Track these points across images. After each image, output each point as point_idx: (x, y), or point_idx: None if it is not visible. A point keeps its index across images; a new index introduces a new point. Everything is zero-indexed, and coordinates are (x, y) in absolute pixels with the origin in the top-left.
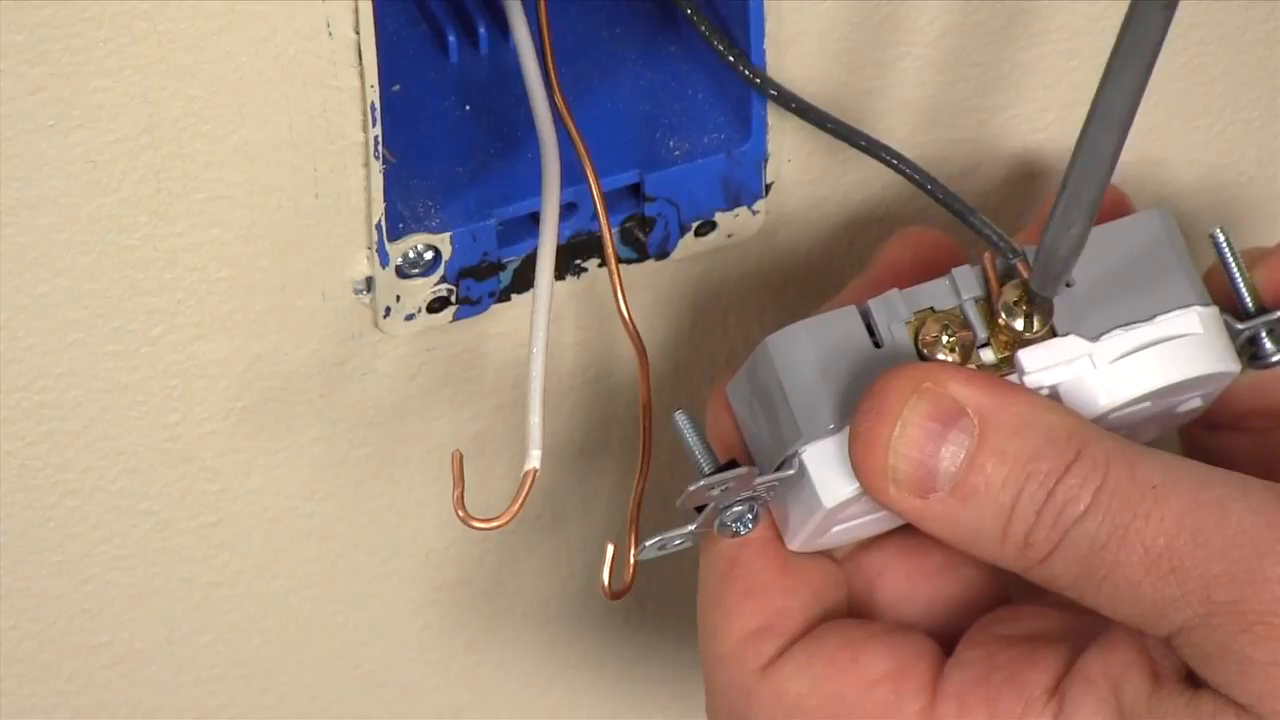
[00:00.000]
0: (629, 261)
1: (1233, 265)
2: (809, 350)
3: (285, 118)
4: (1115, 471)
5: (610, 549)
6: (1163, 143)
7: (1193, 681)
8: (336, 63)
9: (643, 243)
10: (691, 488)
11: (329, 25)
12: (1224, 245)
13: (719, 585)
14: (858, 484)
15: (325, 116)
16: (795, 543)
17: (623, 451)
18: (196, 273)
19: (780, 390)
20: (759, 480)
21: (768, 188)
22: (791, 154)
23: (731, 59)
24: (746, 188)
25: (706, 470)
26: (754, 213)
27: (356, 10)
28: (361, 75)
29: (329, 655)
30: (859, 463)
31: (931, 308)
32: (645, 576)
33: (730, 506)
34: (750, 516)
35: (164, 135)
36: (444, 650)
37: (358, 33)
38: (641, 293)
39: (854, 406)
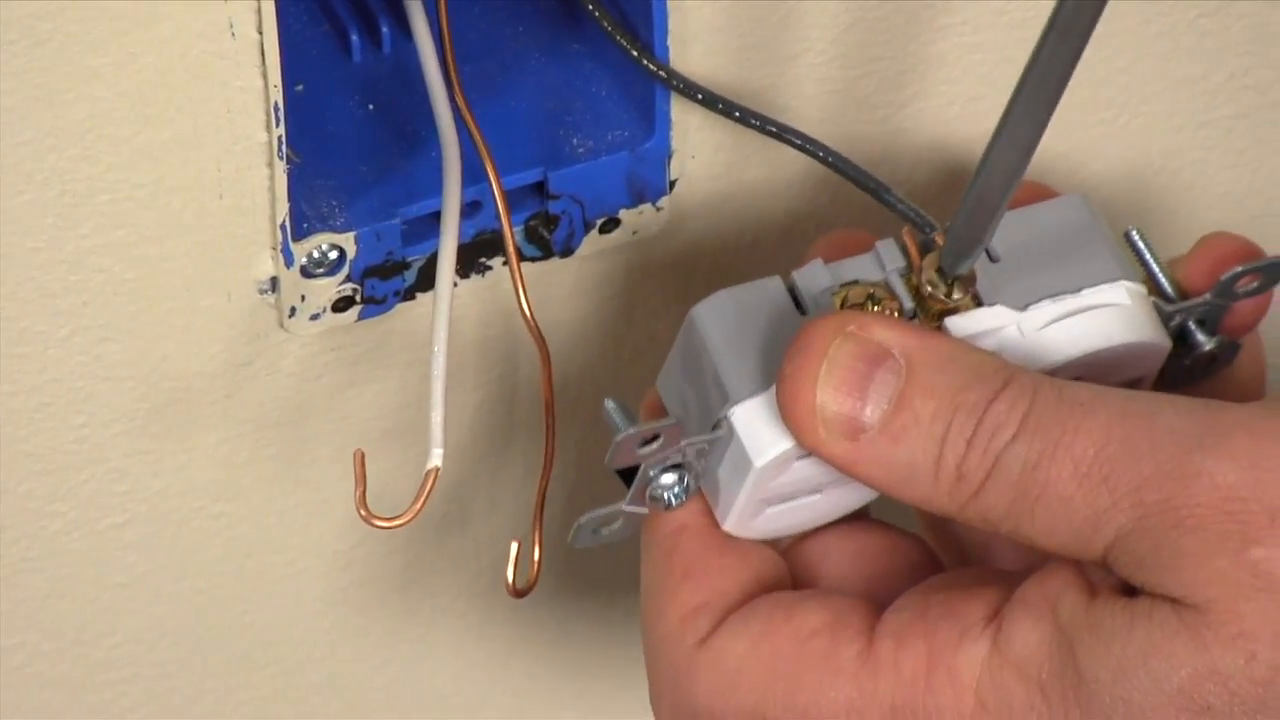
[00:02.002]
0: (534, 259)
1: (1149, 258)
2: (734, 315)
3: (189, 119)
4: (1043, 395)
5: (514, 546)
6: (1068, 137)
7: (1128, 593)
8: (240, 63)
9: (547, 240)
10: (619, 437)
11: (232, 26)
12: (1139, 240)
13: (658, 571)
14: (788, 441)
15: (229, 117)
16: (729, 521)
17: (529, 449)
18: (102, 274)
19: (707, 357)
20: (688, 441)
21: (672, 184)
22: (696, 150)
23: (635, 53)
24: (651, 184)
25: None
26: (658, 209)
27: (259, 10)
28: (265, 75)
29: (238, 656)
30: (786, 405)
31: (856, 280)
32: (552, 572)
33: (660, 475)
34: (681, 489)
35: (68, 138)
36: (352, 650)
37: (260, 33)
38: (546, 290)
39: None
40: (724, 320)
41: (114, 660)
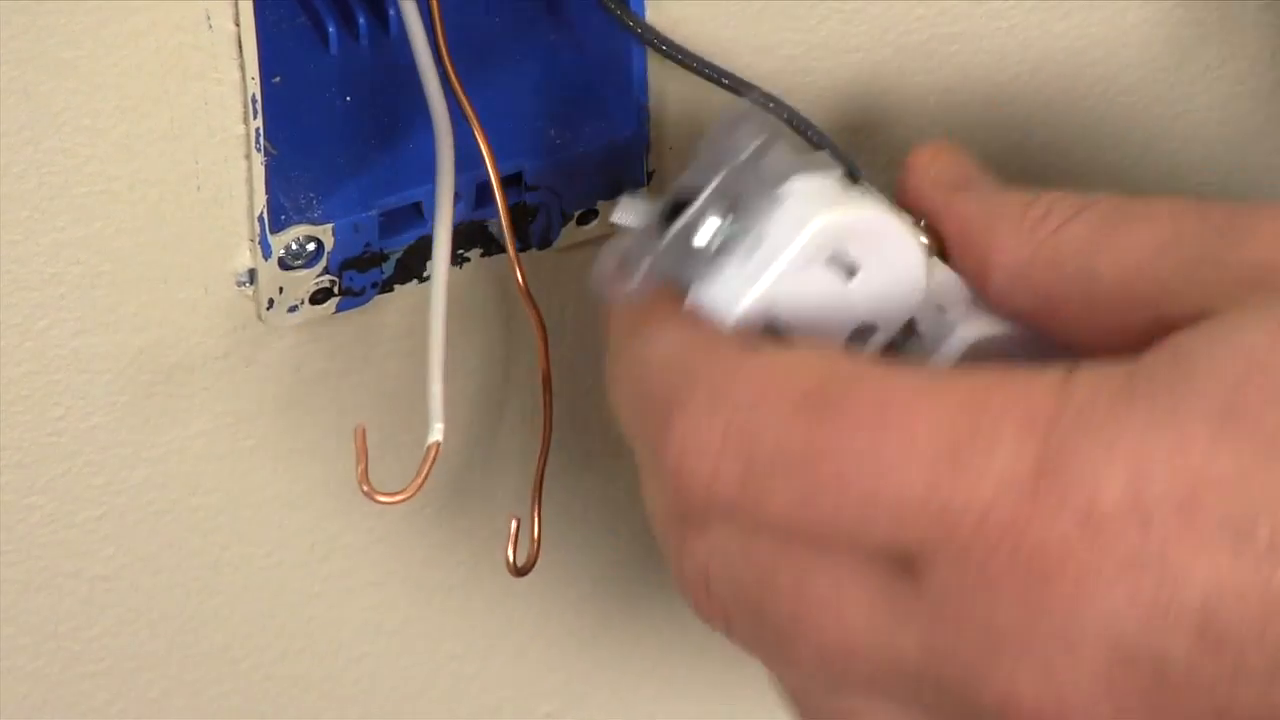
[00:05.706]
0: None
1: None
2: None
3: (166, 111)
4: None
5: (514, 524)
6: (1044, 128)
7: None
8: (217, 55)
9: (525, 232)
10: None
11: (209, 18)
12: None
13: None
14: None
15: (206, 109)
16: (743, 303)
17: (509, 442)
18: (79, 266)
19: (758, 149)
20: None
21: (649, 176)
22: (673, 142)
23: (618, 13)
24: (628, 176)
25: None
26: None
27: (236, 3)
28: (242, 67)
29: (215, 649)
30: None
31: None
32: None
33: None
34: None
35: (45, 130)
36: (330, 643)
37: (238, 25)
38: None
39: None
40: (776, 131)
41: (91, 653)
